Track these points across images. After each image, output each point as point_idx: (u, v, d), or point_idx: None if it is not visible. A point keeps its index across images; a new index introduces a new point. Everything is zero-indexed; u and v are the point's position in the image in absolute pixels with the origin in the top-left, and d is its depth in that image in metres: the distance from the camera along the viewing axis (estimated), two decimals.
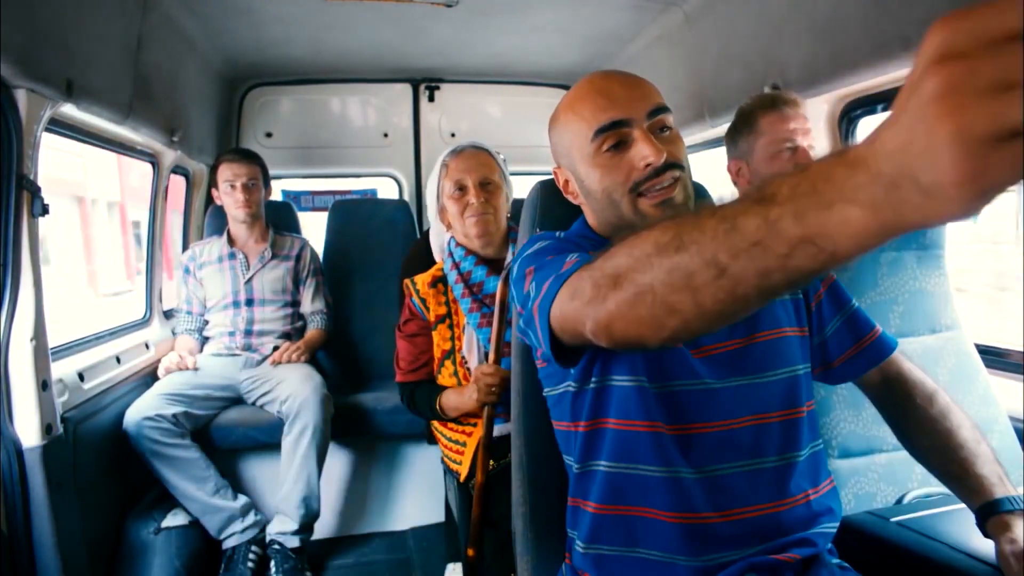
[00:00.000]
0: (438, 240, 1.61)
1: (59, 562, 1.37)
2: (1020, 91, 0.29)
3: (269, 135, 2.79)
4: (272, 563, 1.85)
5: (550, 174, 0.94)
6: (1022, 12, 0.29)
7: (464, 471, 1.42)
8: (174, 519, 1.82)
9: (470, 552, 1.37)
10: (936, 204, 0.32)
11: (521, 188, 2.97)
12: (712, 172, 1.99)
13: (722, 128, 2.02)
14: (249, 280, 2.20)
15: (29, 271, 1.35)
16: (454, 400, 1.43)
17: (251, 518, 1.91)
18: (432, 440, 1.70)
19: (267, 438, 1.95)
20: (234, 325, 2.16)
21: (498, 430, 1.43)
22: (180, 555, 1.77)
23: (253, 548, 1.88)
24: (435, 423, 1.58)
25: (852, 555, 0.86)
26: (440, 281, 1.51)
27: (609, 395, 0.81)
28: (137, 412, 1.79)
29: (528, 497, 0.96)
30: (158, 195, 2.21)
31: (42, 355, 1.39)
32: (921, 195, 0.33)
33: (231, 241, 2.24)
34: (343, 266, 2.49)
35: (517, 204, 1.58)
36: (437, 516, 2.16)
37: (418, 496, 2.21)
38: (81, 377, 1.67)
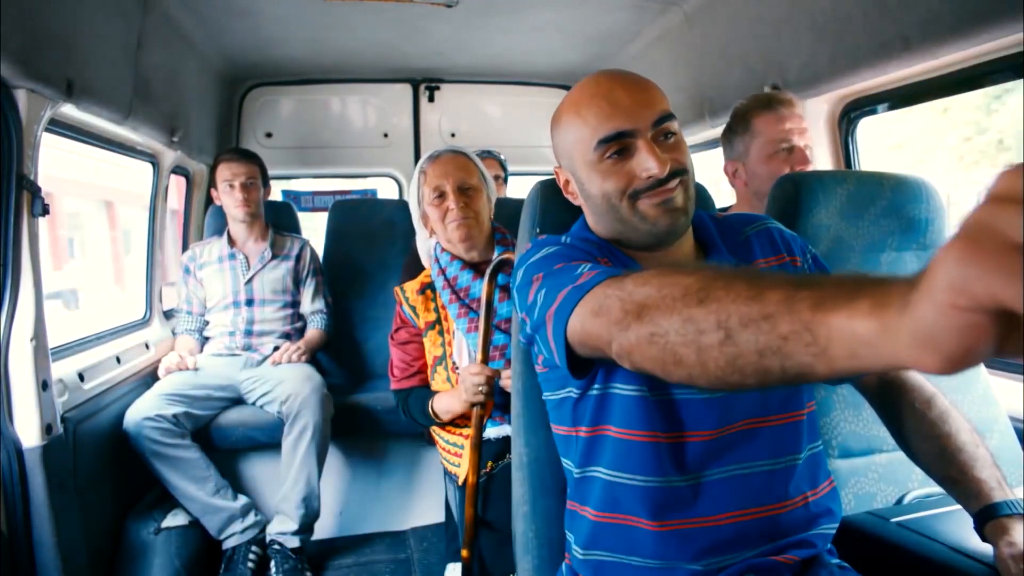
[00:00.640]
0: (424, 246, 1.61)
1: (59, 562, 1.37)
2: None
3: (269, 135, 2.79)
4: (272, 563, 1.85)
5: (550, 174, 0.94)
6: None
7: (463, 473, 1.42)
8: (174, 519, 1.82)
9: (464, 553, 1.37)
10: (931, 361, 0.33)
11: (521, 188, 2.98)
12: (713, 173, 1.99)
13: (722, 128, 2.03)
14: (249, 280, 2.20)
15: (29, 271, 1.35)
16: (445, 403, 1.43)
17: (251, 518, 1.91)
18: (431, 440, 1.70)
19: (267, 438, 1.96)
20: (234, 325, 2.16)
21: (497, 431, 1.43)
22: (180, 555, 1.77)
23: (253, 548, 1.88)
24: (435, 426, 1.57)
25: (852, 555, 0.86)
26: (428, 288, 1.51)
27: (611, 403, 0.80)
28: (137, 412, 1.79)
29: (528, 497, 0.96)
30: (158, 195, 2.21)
31: (42, 355, 1.39)
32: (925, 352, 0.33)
33: (231, 241, 2.24)
34: (343, 266, 2.49)
35: (509, 204, 1.58)
36: (437, 516, 2.16)
37: (418, 496, 2.21)
38: (81, 377, 1.67)
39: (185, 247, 2.46)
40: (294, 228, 2.50)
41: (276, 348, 2.14)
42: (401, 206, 2.65)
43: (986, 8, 1.06)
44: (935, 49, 1.20)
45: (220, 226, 2.32)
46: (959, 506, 0.83)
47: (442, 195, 1.45)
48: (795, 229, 1.09)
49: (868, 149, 1.69)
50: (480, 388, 1.32)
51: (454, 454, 1.49)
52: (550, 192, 1.00)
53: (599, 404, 0.81)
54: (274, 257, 2.25)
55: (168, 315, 2.32)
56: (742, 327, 0.45)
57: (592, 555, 0.83)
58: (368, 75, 2.79)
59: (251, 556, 1.86)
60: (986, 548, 0.77)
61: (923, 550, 0.85)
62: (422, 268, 1.61)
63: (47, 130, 1.40)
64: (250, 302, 2.19)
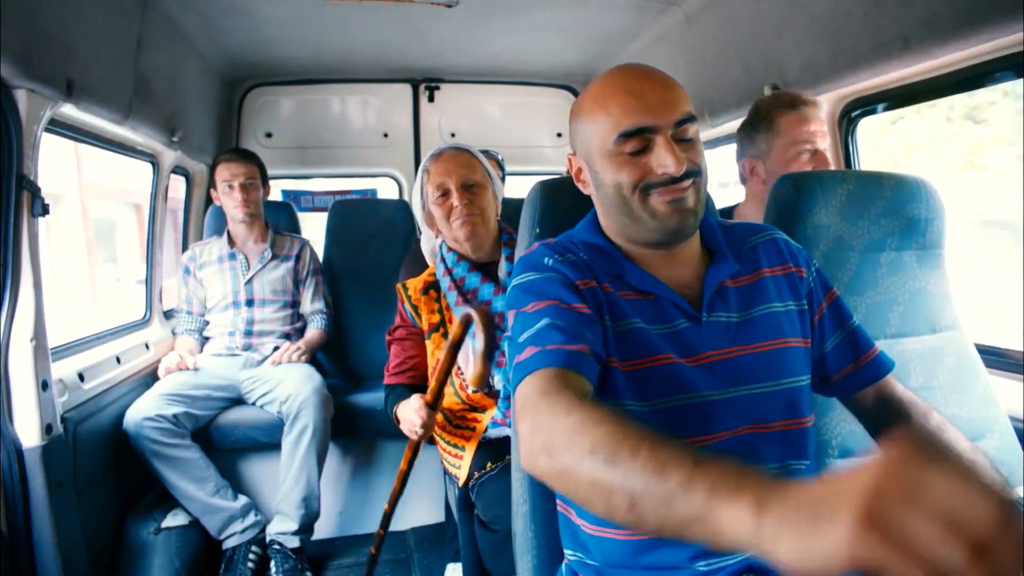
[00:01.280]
0: (428, 245, 1.59)
1: (59, 562, 1.37)
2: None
3: (269, 135, 2.79)
4: (272, 563, 1.86)
5: (550, 174, 0.94)
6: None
7: (463, 475, 1.41)
8: (174, 519, 1.83)
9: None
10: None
11: (521, 188, 2.98)
12: (712, 173, 1.99)
13: (722, 128, 2.03)
14: (249, 280, 2.21)
15: (29, 271, 1.36)
16: (401, 414, 1.43)
17: (251, 518, 1.91)
18: (431, 441, 1.69)
19: (267, 438, 1.96)
20: (234, 325, 2.16)
21: (497, 431, 1.43)
22: (180, 555, 1.77)
23: (253, 548, 1.88)
24: (435, 427, 1.57)
25: None
26: (432, 287, 1.49)
27: None
28: (137, 412, 1.79)
29: (528, 497, 0.96)
30: (158, 195, 2.21)
31: (42, 355, 1.39)
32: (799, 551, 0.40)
33: (231, 241, 2.24)
34: (343, 266, 2.49)
35: (509, 204, 1.57)
36: (437, 516, 2.16)
37: (418, 496, 2.20)
38: (81, 377, 1.67)
39: (185, 247, 2.46)
40: (294, 228, 2.50)
41: (276, 348, 2.14)
42: (401, 206, 2.65)
43: (986, 8, 1.07)
44: (935, 49, 1.20)
45: (220, 226, 2.32)
46: None
47: (446, 193, 1.44)
48: (795, 229, 1.09)
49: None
50: (415, 430, 1.36)
51: (454, 455, 1.48)
52: (550, 192, 1.00)
53: None
54: (274, 257, 2.25)
55: (168, 315, 2.33)
56: (646, 500, 0.50)
57: (593, 560, 0.82)
58: (368, 75, 2.79)
59: (251, 556, 1.86)
60: None
61: None
62: (425, 266, 1.59)
63: (47, 130, 1.40)
64: (250, 302, 2.19)
